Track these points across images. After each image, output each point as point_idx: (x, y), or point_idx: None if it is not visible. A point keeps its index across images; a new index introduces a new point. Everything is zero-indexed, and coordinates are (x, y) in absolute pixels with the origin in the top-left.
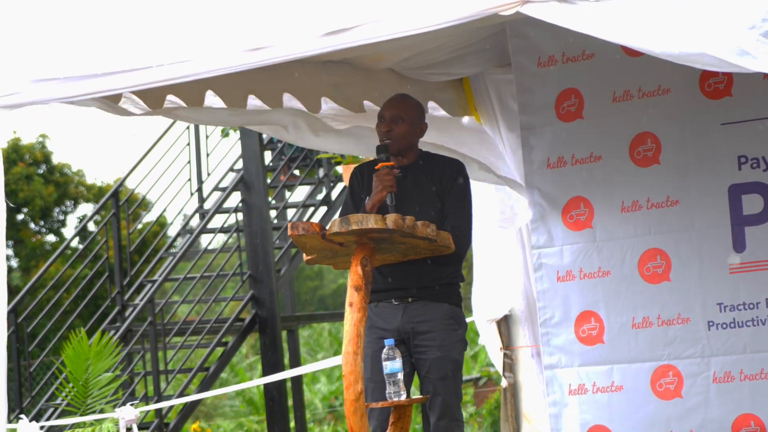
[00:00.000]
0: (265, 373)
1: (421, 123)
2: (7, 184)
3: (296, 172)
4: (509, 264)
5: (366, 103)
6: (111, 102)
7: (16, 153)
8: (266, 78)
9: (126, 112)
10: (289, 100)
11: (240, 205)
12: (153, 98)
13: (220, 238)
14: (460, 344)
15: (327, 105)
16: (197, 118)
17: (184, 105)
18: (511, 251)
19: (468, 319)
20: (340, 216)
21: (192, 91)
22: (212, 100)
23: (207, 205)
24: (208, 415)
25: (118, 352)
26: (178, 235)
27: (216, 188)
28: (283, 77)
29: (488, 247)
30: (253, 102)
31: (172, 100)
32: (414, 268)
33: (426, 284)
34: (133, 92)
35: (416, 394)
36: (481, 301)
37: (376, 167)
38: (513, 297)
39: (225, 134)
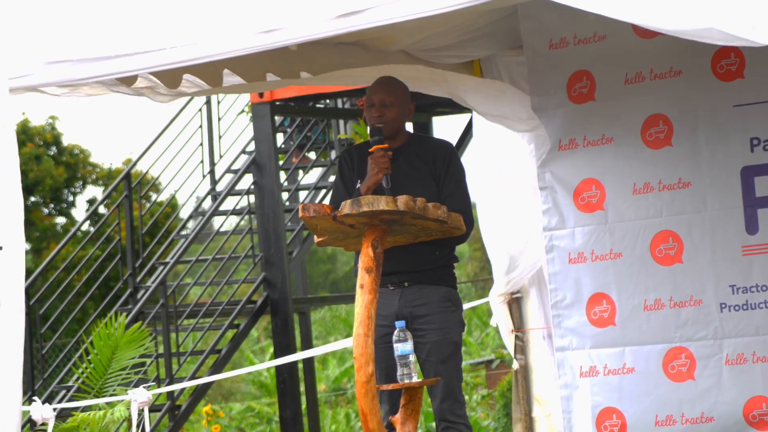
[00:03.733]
0: (277, 356)
1: (409, 104)
2: None
3: (309, 154)
4: (522, 238)
5: None
6: (126, 84)
7: (25, 134)
8: (284, 57)
9: (144, 92)
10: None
11: (252, 187)
12: (170, 78)
13: (232, 220)
14: (459, 326)
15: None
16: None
17: (202, 83)
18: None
19: (482, 300)
20: (330, 200)
21: (209, 70)
22: (230, 78)
23: (219, 188)
24: (220, 398)
25: (149, 341)
26: (190, 217)
27: (228, 170)
28: (300, 57)
29: (497, 222)
30: (273, 79)
31: (189, 79)
32: (409, 252)
33: (422, 267)
34: (150, 73)
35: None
36: (502, 275)
37: (370, 150)
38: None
39: (243, 112)
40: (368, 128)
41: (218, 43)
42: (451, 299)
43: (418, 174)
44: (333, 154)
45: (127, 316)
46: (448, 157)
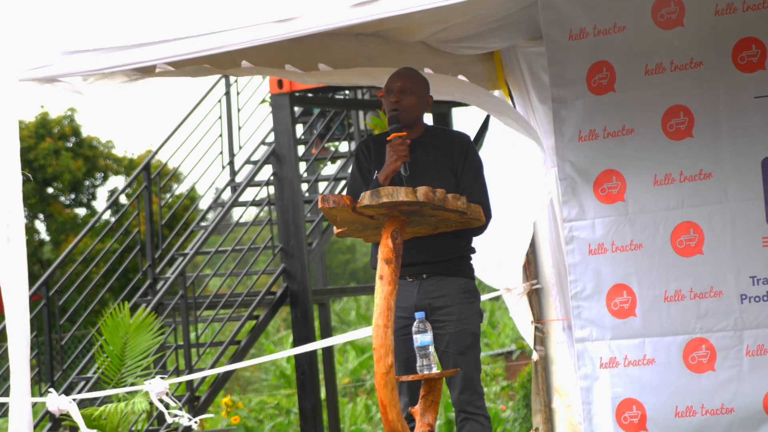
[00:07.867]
0: (296, 346)
1: (428, 96)
2: (35, 159)
3: (328, 145)
4: (517, 237)
5: None
6: (144, 72)
7: (44, 128)
8: (302, 49)
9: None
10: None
11: (271, 178)
12: (188, 69)
13: (252, 212)
14: (477, 317)
15: None
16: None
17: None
18: (521, 224)
19: (497, 293)
20: (348, 190)
21: (227, 61)
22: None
23: (238, 179)
24: (240, 389)
25: (157, 329)
26: (209, 208)
27: (247, 161)
28: (318, 48)
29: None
30: (292, 70)
31: (207, 69)
32: (426, 243)
33: (440, 259)
34: (168, 63)
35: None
36: (487, 273)
37: (388, 138)
38: (514, 270)
39: (264, 101)
40: (387, 118)
41: (236, 32)
42: (469, 290)
43: (435, 165)
44: (353, 145)
45: (146, 307)
46: (466, 148)
